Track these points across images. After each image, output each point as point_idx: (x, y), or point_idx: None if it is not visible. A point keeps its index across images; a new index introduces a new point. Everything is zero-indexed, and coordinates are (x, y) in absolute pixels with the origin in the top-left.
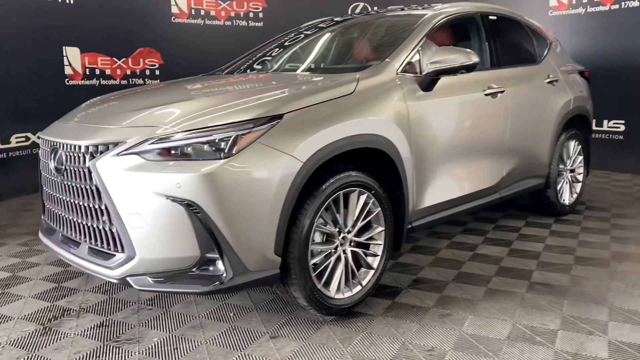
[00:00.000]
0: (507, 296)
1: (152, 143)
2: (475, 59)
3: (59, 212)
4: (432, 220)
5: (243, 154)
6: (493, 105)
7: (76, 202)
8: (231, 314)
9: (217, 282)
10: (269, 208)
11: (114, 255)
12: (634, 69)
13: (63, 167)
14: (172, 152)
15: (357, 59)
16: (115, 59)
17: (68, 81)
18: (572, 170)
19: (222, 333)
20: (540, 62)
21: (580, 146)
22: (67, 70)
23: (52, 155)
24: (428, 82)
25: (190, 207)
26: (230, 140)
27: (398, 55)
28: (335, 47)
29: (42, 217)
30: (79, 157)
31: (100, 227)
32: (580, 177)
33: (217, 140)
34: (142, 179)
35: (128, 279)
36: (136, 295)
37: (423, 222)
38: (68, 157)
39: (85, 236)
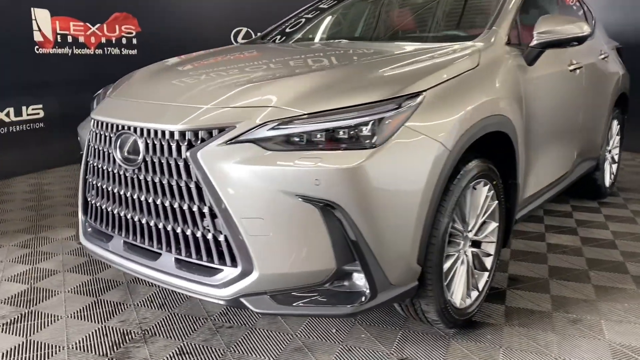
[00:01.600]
0: (621, 294)
1: (274, 128)
2: (587, 29)
3: (123, 214)
4: (528, 212)
5: (391, 142)
6: (575, 81)
7: (160, 202)
8: (333, 330)
9: (360, 301)
10: (418, 208)
11: (221, 270)
12: None
13: (139, 157)
14: (298, 139)
15: (448, 26)
16: (89, 25)
17: (38, 49)
18: (609, 151)
19: (338, 356)
20: (593, 36)
21: (619, 126)
22: (37, 37)
23: (118, 142)
24: (534, 55)
25: (329, 208)
26: (376, 125)
27: (502, 23)
28: (413, 13)
29: (83, 218)
30: (168, 146)
31: (199, 235)
32: (616, 158)
33: (358, 125)
34: (264, 173)
35: (242, 299)
36: (202, 308)
37: (523, 213)
38: (149, 145)
39: (169, 245)
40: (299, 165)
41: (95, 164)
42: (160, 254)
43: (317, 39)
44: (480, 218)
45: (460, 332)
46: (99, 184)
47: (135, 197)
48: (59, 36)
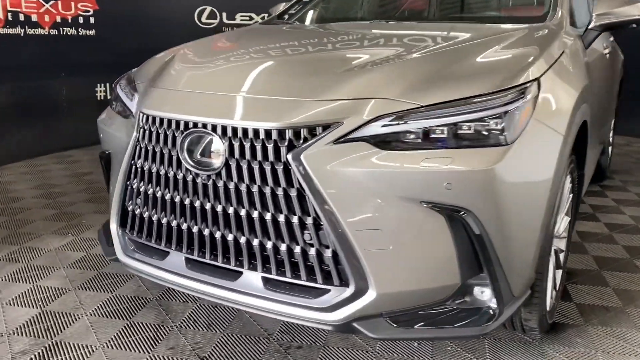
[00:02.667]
0: None
1: (388, 124)
2: None
3: (187, 227)
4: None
5: (523, 137)
6: (608, 66)
7: (245, 212)
8: (415, 344)
9: (488, 319)
10: (544, 210)
11: (327, 290)
12: None
13: (219, 161)
14: (417, 137)
15: (498, 7)
16: (43, 1)
17: None
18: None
19: None
20: None
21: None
22: None
23: (186, 143)
24: (591, 38)
25: (457, 215)
26: (507, 118)
27: (564, 3)
28: None
29: (119, 231)
30: (262, 147)
31: (298, 250)
32: (611, 140)
33: (487, 118)
34: (383, 178)
35: (356, 324)
36: (258, 326)
37: None
38: (234, 146)
39: (252, 262)
40: (427, 168)
41: (146, 168)
42: (240, 272)
43: (352, 20)
44: (562, 213)
45: (545, 337)
46: (150, 192)
47: (208, 207)
48: (9, 14)
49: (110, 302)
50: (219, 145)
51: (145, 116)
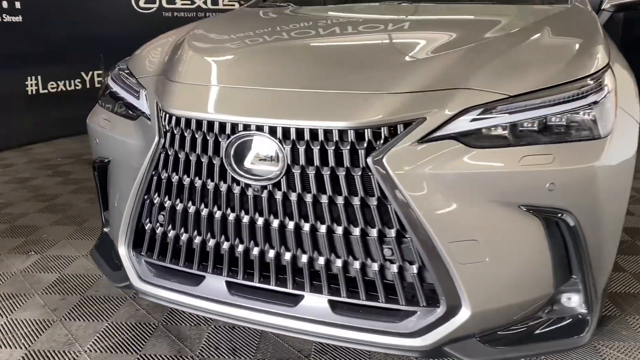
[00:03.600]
0: None
1: (476, 119)
2: None
3: (228, 246)
4: None
5: (614, 127)
6: None
7: (309, 227)
8: None
9: (586, 327)
10: (627, 201)
11: (412, 312)
12: None
13: (277, 168)
14: (508, 131)
15: None
16: None
17: None
18: None
19: None
20: None
21: None
22: None
23: (233, 148)
24: (605, 20)
25: (554, 218)
26: (599, 108)
27: None
28: None
29: (133, 254)
30: (336, 150)
31: (375, 268)
32: None
33: (580, 109)
34: (477, 181)
35: (447, 348)
36: (288, 347)
37: None
38: (299, 150)
39: (314, 284)
40: (527, 167)
41: (174, 180)
42: (300, 296)
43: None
44: None
45: (599, 340)
46: (179, 207)
47: (260, 222)
48: None
49: (109, 332)
50: (277, 151)
51: (173, 118)
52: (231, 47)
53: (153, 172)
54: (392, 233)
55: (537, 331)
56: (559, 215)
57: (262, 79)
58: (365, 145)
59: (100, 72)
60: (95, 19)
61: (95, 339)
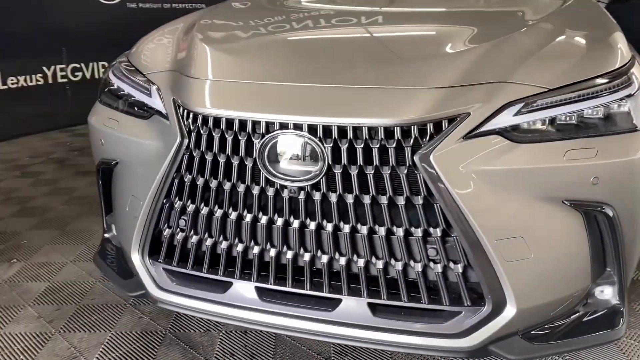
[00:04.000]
0: None
1: (519, 113)
2: None
3: (259, 250)
4: None
5: None
6: None
7: (349, 229)
8: None
9: (621, 319)
10: None
11: (457, 312)
12: None
13: (317, 168)
14: (549, 125)
15: None
16: None
17: None
18: None
19: None
20: None
21: None
22: None
23: (265, 148)
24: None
25: (594, 212)
26: (634, 99)
27: None
28: None
29: (150, 262)
30: (381, 148)
31: (418, 268)
32: None
33: (618, 100)
34: (522, 176)
35: (493, 347)
36: (305, 350)
37: None
38: (342, 149)
39: (352, 287)
40: (572, 162)
41: (199, 182)
42: (338, 300)
43: None
44: None
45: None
46: (204, 211)
47: (296, 225)
48: None
49: (115, 343)
50: (317, 150)
51: (199, 117)
52: (257, 40)
53: (174, 175)
54: (437, 232)
55: (576, 326)
56: (599, 208)
57: (296, 74)
58: (411, 142)
59: (62, 66)
60: (56, 11)
61: (102, 351)
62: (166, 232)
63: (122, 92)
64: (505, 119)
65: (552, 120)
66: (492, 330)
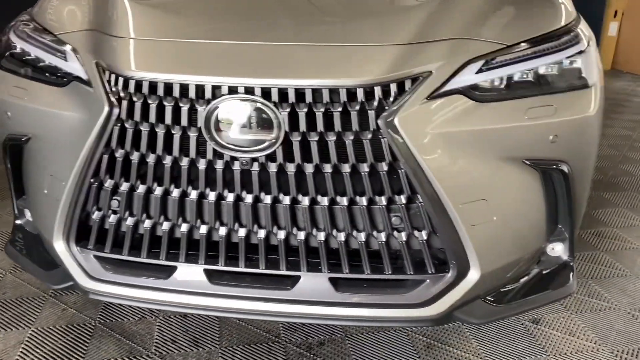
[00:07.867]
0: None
1: (481, 70)
2: None
3: (207, 229)
4: None
5: (598, 75)
6: None
7: (309, 199)
8: None
9: (572, 273)
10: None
11: (421, 281)
12: None
13: (272, 137)
14: (508, 82)
15: None
16: None
17: None
18: None
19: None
20: None
21: None
22: None
23: (211, 115)
24: None
25: (550, 169)
26: (586, 56)
27: None
28: None
29: (77, 249)
30: (343, 112)
31: (382, 238)
32: None
33: (574, 56)
34: (485, 137)
35: (457, 313)
36: (256, 329)
37: None
38: (299, 114)
39: (310, 262)
40: (533, 120)
41: (134, 157)
42: (297, 277)
43: None
44: None
45: None
46: (140, 190)
47: (249, 199)
48: None
49: (37, 340)
50: (272, 116)
51: (131, 82)
52: None
53: (103, 150)
54: (402, 199)
55: (533, 285)
56: (555, 166)
57: (247, 31)
58: (375, 105)
59: None
60: None
61: (23, 351)
62: (95, 215)
63: (28, 57)
64: (468, 78)
65: (511, 78)
66: (456, 296)
